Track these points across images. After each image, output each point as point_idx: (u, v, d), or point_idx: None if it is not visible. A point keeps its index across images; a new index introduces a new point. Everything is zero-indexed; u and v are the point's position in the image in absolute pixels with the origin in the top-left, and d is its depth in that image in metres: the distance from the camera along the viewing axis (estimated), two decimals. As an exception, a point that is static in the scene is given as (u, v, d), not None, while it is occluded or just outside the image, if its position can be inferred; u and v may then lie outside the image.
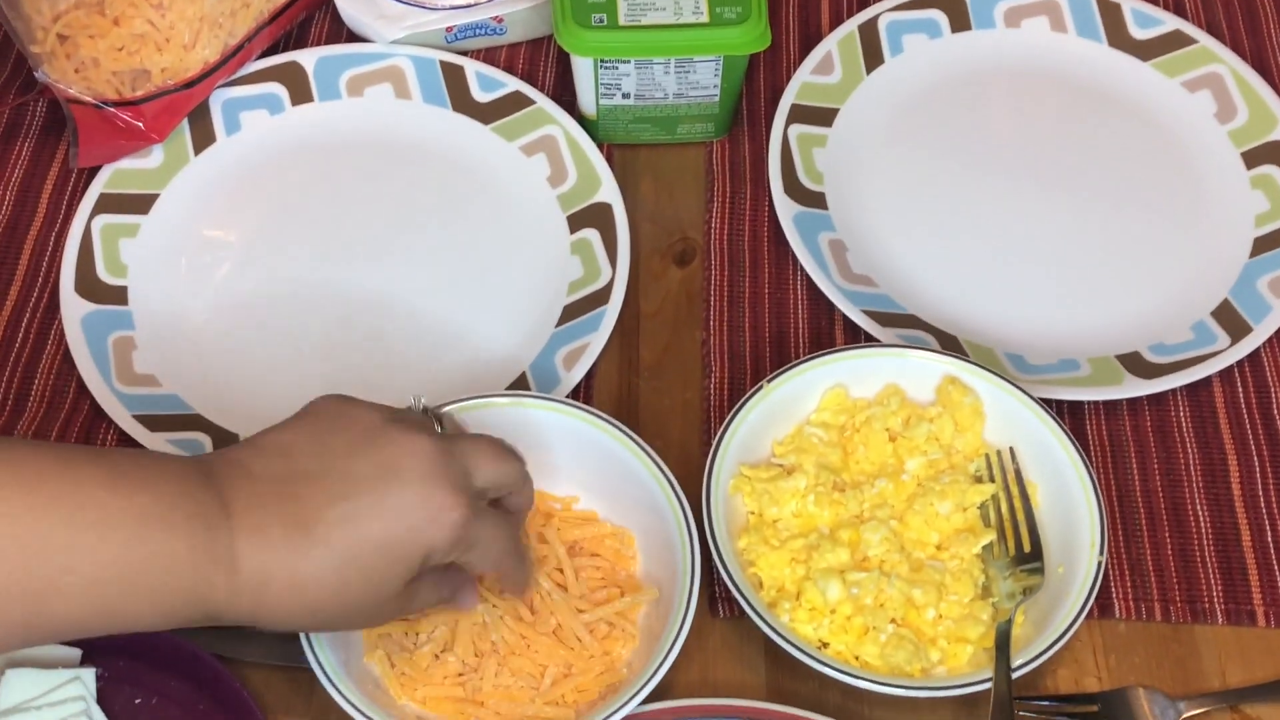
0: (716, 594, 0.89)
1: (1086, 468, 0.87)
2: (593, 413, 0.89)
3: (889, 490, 0.89)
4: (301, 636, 0.81)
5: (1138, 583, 0.90)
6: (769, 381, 0.90)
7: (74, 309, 0.98)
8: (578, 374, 0.96)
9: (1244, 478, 0.94)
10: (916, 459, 0.90)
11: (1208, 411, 0.96)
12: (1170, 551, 0.91)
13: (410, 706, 0.83)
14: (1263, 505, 0.93)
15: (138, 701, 0.85)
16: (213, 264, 1.02)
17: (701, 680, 0.86)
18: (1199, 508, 0.93)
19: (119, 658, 0.85)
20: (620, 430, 0.88)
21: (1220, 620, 0.89)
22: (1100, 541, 0.85)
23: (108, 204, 1.02)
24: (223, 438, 0.93)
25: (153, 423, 0.93)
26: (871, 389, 0.92)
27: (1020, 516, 0.88)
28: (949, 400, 0.91)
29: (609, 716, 0.80)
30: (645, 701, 0.81)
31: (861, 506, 0.89)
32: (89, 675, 0.83)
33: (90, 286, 0.99)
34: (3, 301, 1.00)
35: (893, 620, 0.85)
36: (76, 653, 0.84)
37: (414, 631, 0.85)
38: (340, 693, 0.79)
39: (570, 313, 0.99)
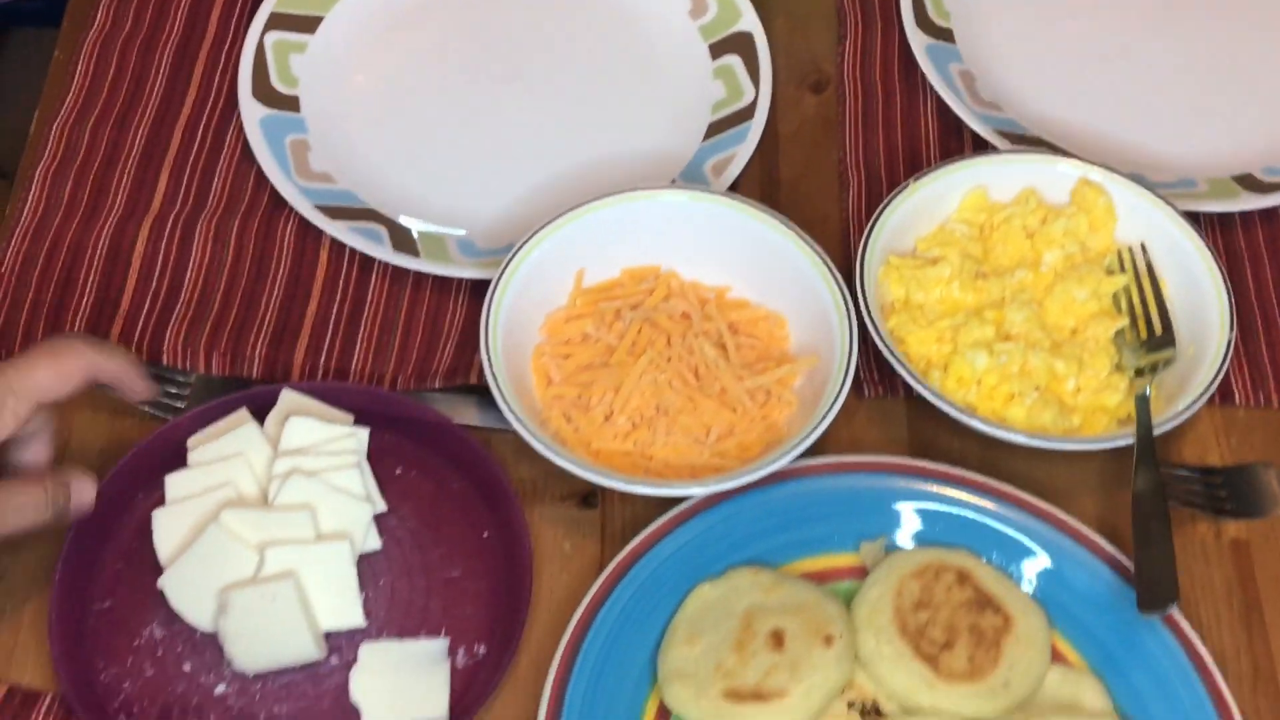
0: (861, 376, 0.95)
1: (1214, 256, 0.93)
2: (747, 201, 0.94)
3: (1028, 279, 0.95)
4: (498, 399, 0.87)
5: (1255, 374, 0.96)
6: (915, 180, 0.96)
7: (252, 111, 1.04)
8: (726, 180, 1.02)
9: (1349, 284, 1.00)
10: (1054, 252, 0.96)
11: (1316, 227, 1.03)
12: (1286, 349, 0.97)
13: (585, 460, 0.89)
14: (1368, 308, 0.99)
15: (398, 472, 0.89)
16: (377, 80, 1.08)
17: (851, 441, 0.93)
18: (1309, 311, 0.99)
19: (387, 430, 0.89)
20: (774, 216, 0.94)
21: (1334, 409, 0.95)
22: (1230, 321, 0.91)
23: (278, 22, 1.08)
24: (397, 230, 0.99)
25: (333, 213, 0.99)
26: (1009, 193, 0.98)
27: (1151, 304, 0.94)
28: (1084, 202, 0.97)
29: (772, 462, 0.86)
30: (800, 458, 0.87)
31: (1003, 292, 0.94)
32: (363, 433, 0.86)
33: (266, 93, 1.05)
34: (180, 108, 1.06)
35: (1036, 388, 0.90)
36: (349, 416, 0.88)
37: (586, 396, 0.91)
38: (541, 442, 0.85)
39: (715, 129, 1.05)
